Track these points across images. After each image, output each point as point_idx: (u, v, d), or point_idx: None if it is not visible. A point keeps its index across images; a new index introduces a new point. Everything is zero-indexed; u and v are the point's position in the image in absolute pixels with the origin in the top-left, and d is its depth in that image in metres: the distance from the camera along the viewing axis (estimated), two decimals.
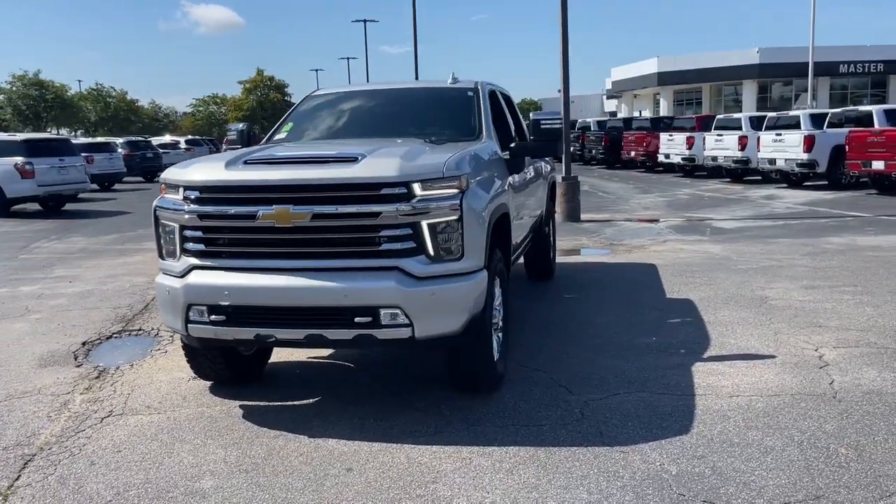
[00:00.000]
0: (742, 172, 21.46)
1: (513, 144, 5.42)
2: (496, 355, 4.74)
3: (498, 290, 4.85)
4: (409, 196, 4.01)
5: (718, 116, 24.35)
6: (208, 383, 5.10)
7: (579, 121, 34.91)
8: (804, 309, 6.67)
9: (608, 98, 68.85)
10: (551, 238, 8.42)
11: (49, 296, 8.34)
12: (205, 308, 4.21)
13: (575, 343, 5.80)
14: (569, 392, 4.72)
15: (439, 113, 5.72)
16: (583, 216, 14.10)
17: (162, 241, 4.41)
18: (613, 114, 61.25)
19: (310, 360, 5.65)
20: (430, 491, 3.46)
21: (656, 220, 13.72)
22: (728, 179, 22.13)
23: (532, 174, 6.70)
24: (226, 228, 4.21)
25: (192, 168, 4.40)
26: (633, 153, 27.42)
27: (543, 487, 3.45)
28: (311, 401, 4.78)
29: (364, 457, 3.85)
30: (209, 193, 4.21)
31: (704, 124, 24.10)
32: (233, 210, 4.15)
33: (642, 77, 54.44)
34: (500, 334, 4.92)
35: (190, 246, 4.28)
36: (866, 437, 3.91)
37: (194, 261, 4.28)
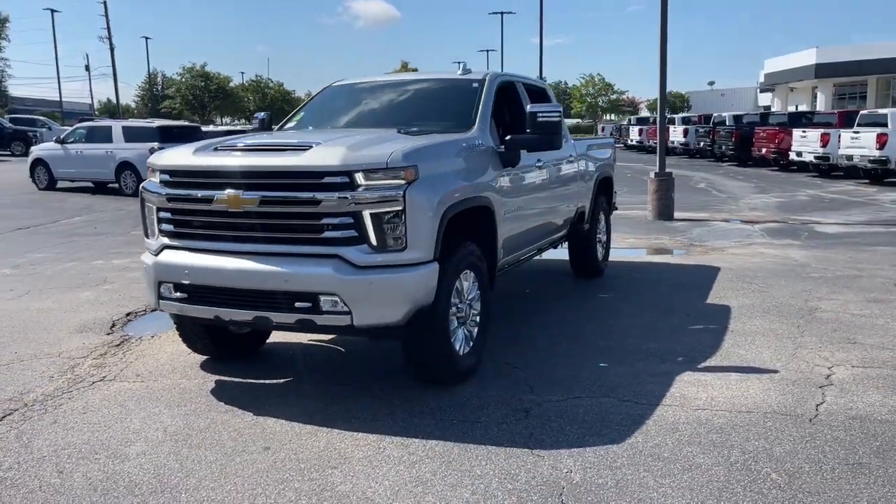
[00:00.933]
0: (882, 174, 19.68)
1: (508, 137, 5.32)
2: (462, 349, 4.71)
3: (470, 284, 4.81)
4: (352, 185, 4.07)
5: (862, 112, 22.36)
6: (203, 357, 5.37)
7: (714, 115, 33.23)
8: (850, 323, 6.11)
9: (761, 91, 64.91)
10: (601, 235, 8.16)
11: (132, 269, 8.99)
12: (171, 285, 4.48)
13: (579, 343, 5.64)
14: (530, 392, 4.61)
15: (441, 104, 5.70)
16: (677, 214, 13.50)
17: (146, 221, 4.72)
18: (767, 108, 57.69)
19: (310, 342, 5.82)
20: (325, 476, 3.52)
21: (755, 222, 12.89)
22: (866, 181, 20.36)
23: (555, 169, 6.54)
24: (188, 211, 4.45)
25: (167, 153, 4.68)
26: (763, 150, 25.79)
27: (432, 483, 3.43)
28: (283, 381, 4.95)
29: (289, 437, 3.97)
30: (176, 177, 4.47)
31: (847, 120, 22.27)
32: (193, 193, 4.37)
33: (798, 69, 50.81)
34: (472, 329, 4.87)
35: (163, 226, 4.56)
36: (812, 465, 3.58)
37: (166, 240, 4.55)
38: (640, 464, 3.60)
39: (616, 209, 9.37)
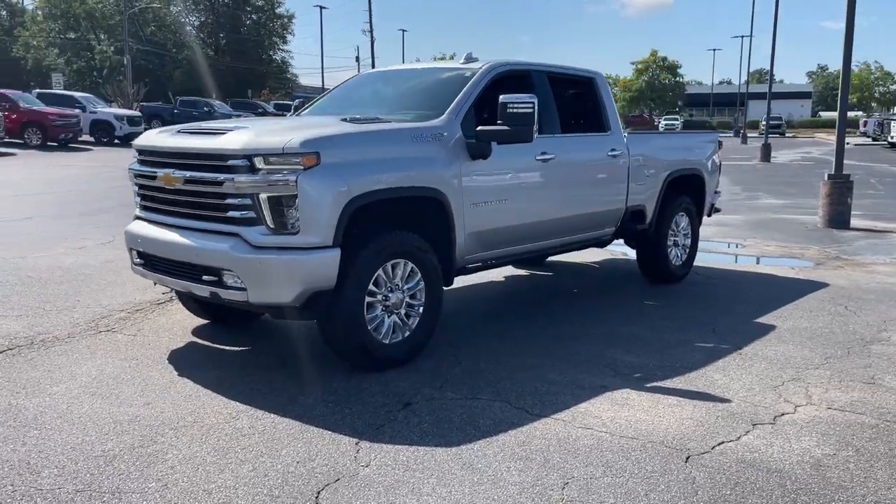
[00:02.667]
0: None
1: (478, 128, 5.19)
2: (387, 338, 4.76)
3: (405, 274, 4.82)
4: (253, 169, 4.31)
5: None
6: (207, 321, 5.90)
7: None
8: None
9: None
10: (677, 238, 7.57)
11: None
12: (135, 252, 5.04)
13: (560, 346, 5.40)
14: (437, 388, 4.54)
15: (430, 93, 5.66)
16: (857, 223, 11.97)
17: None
18: None
19: None
20: (165, 440, 3.81)
21: None
22: None
23: (580, 163, 6.23)
24: (144, 186, 4.97)
25: (142, 134, 5.23)
26: None
27: (234, 453, 3.58)
28: (247, 349, 5.32)
29: (173, 397, 4.32)
30: (141, 156, 5.01)
31: None
32: (146, 171, 4.88)
33: None
34: (410, 320, 4.89)
35: (136, 199, 5.14)
36: (625, 500, 3.20)
37: (137, 211, 5.13)
38: (440, 469, 3.46)
39: (718, 211, 8.57)
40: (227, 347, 5.35)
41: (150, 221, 4.95)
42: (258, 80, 64.20)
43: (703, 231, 11.08)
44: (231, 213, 4.40)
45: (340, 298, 4.48)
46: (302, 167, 4.26)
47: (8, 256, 8.19)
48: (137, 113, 22.36)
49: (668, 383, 4.68)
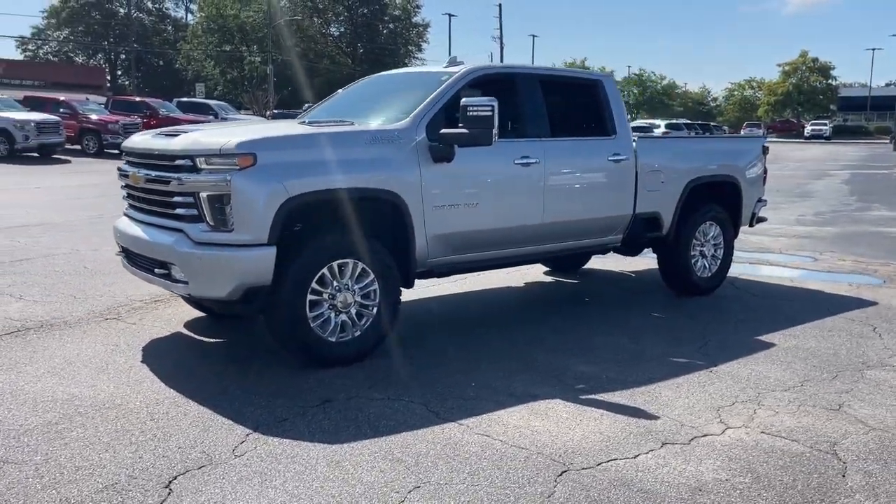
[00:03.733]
0: None
1: (441, 131, 5.20)
2: (334, 336, 4.87)
3: (356, 274, 4.91)
4: (195, 169, 4.57)
5: None
6: (203, 314, 6.26)
7: None
8: (886, 390, 4.71)
9: None
10: (703, 248, 7.20)
11: None
12: (118, 246, 5.45)
13: (522, 354, 5.31)
14: (366, 388, 4.58)
15: (407, 96, 5.68)
16: None
17: None
18: None
19: None
20: (81, 419, 4.11)
21: None
22: None
23: (574, 168, 6.08)
24: (124, 185, 5.35)
25: (130, 137, 5.63)
26: None
27: (132, 435, 3.82)
28: (226, 341, 5.59)
29: (127, 380, 4.63)
30: (125, 157, 5.40)
31: None
32: (125, 170, 5.26)
33: None
34: (362, 319, 4.98)
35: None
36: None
37: (123, 208, 5.54)
38: (305, 465, 3.54)
39: (762, 220, 8.05)
40: (206, 339, 5.65)
41: (129, 217, 5.33)
42: None
43: (776, 242, 10.49)
44: (178, 211, 4.67)
45: (280, 295, 4.64)
46: (237, 167, 4.46)
47: (82, 249, 8.98)
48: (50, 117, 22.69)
49: (606, 396, 4.51)
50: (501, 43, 63.27)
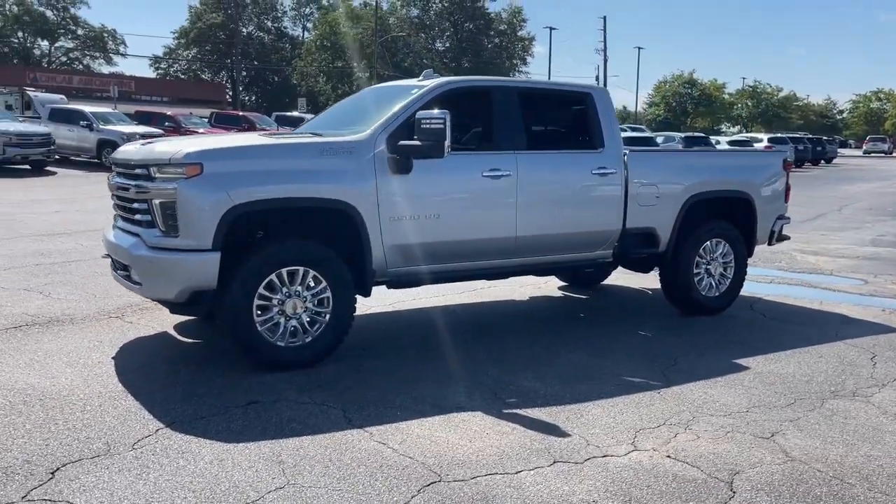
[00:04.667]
0: None
1: (399, 143, 5.29)
2: (283, 340, 5.04)
3: (306, 281, 5.06)
4: (149, 177, 4.87)
5: None
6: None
7: None
8: (845, 423, 4.44)
9: None
10: (709, 267, 6.93)
11: None
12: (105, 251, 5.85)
13: (472, 368, 5.29)
14: (297, 392, 4.70)
15: (380, 109, 5.77)
16: None
17: None
18: None
19: None
20: (21, 408, 4.46)
21: None
22: None
23: (550, 181, 6.02)
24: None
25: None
26: None
27: (39, 427, 4.11)
28: (203, 343, 5.89)
29: (87, 373, 4.97)
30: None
31: None
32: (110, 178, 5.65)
33: None
34: (314, 325, 5.13)
35: None
36: None
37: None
38: (178, 462, 3.69)
39: (785, 239, 7.65)
40: (186, 339, 5.93)
41: (113, 224, 5.71)
42: None
43: (832, 264, 9.94)
44: (136, 217, 4.98)
45: (227, 299, 4.85)
46: (184, 176, 4.71)
47: None
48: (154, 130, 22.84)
49: (532, 411, 4.45)
50: (605, 55, 62.50)
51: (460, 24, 68.91)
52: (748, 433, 4.18)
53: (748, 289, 8.12)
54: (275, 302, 5.00)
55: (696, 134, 31.53)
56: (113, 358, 5.32)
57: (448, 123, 5.11)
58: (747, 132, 58.30)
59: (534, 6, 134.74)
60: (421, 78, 6.08)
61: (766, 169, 7.27)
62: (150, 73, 78.63)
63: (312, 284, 5.11)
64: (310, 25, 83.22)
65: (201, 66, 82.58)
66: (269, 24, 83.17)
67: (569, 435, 4.11)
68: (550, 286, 8.23)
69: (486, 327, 6.56)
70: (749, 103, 72.33)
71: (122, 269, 5.13)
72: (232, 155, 4.97)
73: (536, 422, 4.29)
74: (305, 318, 5.12)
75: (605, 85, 60.49)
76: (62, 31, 77.67)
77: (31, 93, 39.37)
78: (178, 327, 6.19)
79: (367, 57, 67.68)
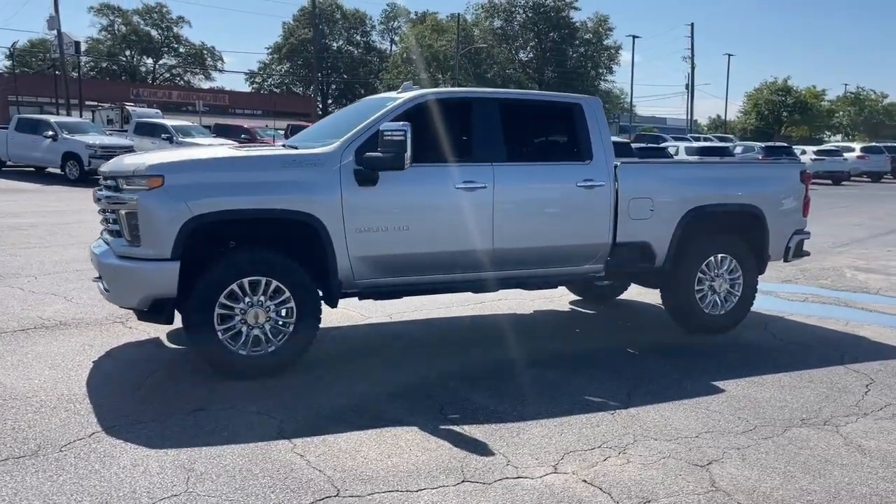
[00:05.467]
0: None
1: (365, 155, 5.31)
2: (245, 349, 5.13)
3: (268, 291, 5.14)
4: (117, 189, 5.07)
5: None
6: None
7: None
8: (808, 456, 4.16)
9: None
10: (714, 283, 6.64)
11: None
12: None
13: (435, 384, 5.23)
14: (247, 402, 4.79)
15: (356, 121, 5.80)
16: None
17: None
18: None
19: None
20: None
21: None
22: None
23: (529, 193, 5.90)
24: None
25: None
26: None
27: None
28: (183, 349, 6.07)
29: (30, 383, 5.20)
30: None
31: None
32: None
33: None
34: (278, 335, 5.19)
35: None
36: None
37: None
38: (93, 464, 3.81)
39: (804, 255, 7.24)
40: (174, 346, 6.11)
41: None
42: None
43: (884, 282, 9.36)
44: (109, 226, 5.18)
45: (188, 308, 4.99)
46: (146, 188, 4.88)
47: None
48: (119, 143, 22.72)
49: (469, 428, 4.38)
50: (692, 63, 60.83)
51: (544, 34, 68.55)
52: (684, 460, 3.96)
53: (773, 307, 7.78)
54: (237, 311, 5.09)
55: (778, 144, 30.07)
56: (94, 362, 5.54)
57: (409, 135, 5.10)
58: (849, 141, 55.41)
59: (618, 15, 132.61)
60: (400, 90, 6.09)
61: (779, 181, 6.91)
62: (245, 88, 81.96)
63: (275, 295, 5.17)
64: (397, 39, 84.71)
65: (293, 79, 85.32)
66: (359, 37, 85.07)
67: (493, 454, 4.01)
68: (563, 300, 8.07)
69: (473, 341, 6.48)
70: (851, 111, 68.78)
71: (98, 277, 5.34)
72: (193, 167, 5.10)
73: (467, 439, 4.21)
74: (268, 328, 5.19)
75: (692, 92, 58.92)
76: (166, 49, 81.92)
77: (130, 107, 41.72)
78: (171, 334, 6.38)
79: (451, 69, 68.27)
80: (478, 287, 6.05)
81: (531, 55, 70.63)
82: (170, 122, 26.83)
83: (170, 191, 4.88)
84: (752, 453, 4.07)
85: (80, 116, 41.42)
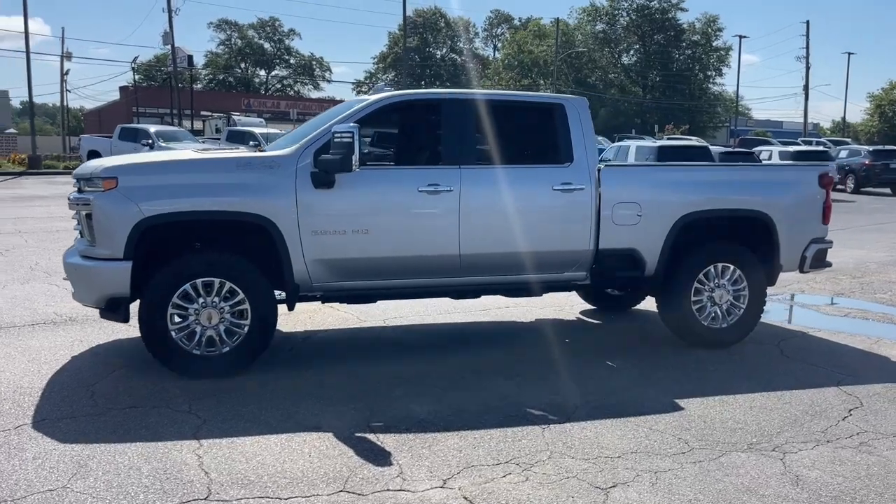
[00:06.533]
0: None
1: (320, 157, 5.28)
2: (199, 349, 5.21)
3: (221, 293, 5.20)
4: (81, 191, 5.27)
5: None
6: None
7: None
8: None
9: None
10: (714, 294, 6.22)
11: None
12: None
13: (382, 390, 5.12)
14: (165, 399, 4.82)
15: (326, 122, 5.77)
16: None
17: None
18: None
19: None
20: None
21: None
22: None
23: (500, 196, 5.68)
24: None
25: None
26: None
27: None
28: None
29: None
30: None
31: None
32: None
33: None
34: (233, 336, 5.25)
35: None
36: None
37: None
38: None
39: (826, 266, 6.66)
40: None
41: None
42: (687, 115, 63.46)
43: None
44: (76, 227, 5.38)
45: (142, 307, 5.11)
46: (102, 189, 5.04)
47: None
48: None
49: (383, 437, 4.25)
50: (807, 63, 57.46)
51: (648, 37, 66.79)
52: (587, 482, 3.69)
53: (803, 321, 7.28)
54: (191, 311, 5.17)
55: (888, 147, 27.78)
56: (74, 357, 5.75)
57: (357, 137, 5.04)
58: None
59: (726, 15, 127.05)
60: (371, 91, 6.02)
61: (792, 186, 6.38)
62: (352, 97, 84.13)
63: (230, 296, 5.22)
64: (500, 45, 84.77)
65: (398, 88, 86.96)
66: (461, 44, 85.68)
67: (390, 465, 3.87)
68: (574, 309, 7.77)
69: (450, 349, 6.29)
70: None
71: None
72: (147, 170, 5.22)
73: (373, 448, 4.09)
74: (223, 329, 5.24)
75: (807, 94, 55.81)
76: (277, 60, 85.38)
77: (236, 117, 43.69)
78: None
79: (550, 75, 67.66)
80: (449, 293, 5.91)
81: (634, 59, 68.94)
82: (260, 130, 27.82)
83: (123, 192, 5.01)
84: (667, 478, 3.74)
85: (192, 126, 43.82)
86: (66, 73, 54.63)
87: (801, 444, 4.20)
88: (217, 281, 5.18)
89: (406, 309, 7.44)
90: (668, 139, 37.61)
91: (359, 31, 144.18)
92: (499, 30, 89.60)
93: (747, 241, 6.32)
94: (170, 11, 40.96)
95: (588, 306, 7.84)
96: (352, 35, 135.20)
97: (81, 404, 4.69)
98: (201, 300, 5.17)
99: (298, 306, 5.71)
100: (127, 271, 5.03)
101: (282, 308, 6.85)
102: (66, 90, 56.69)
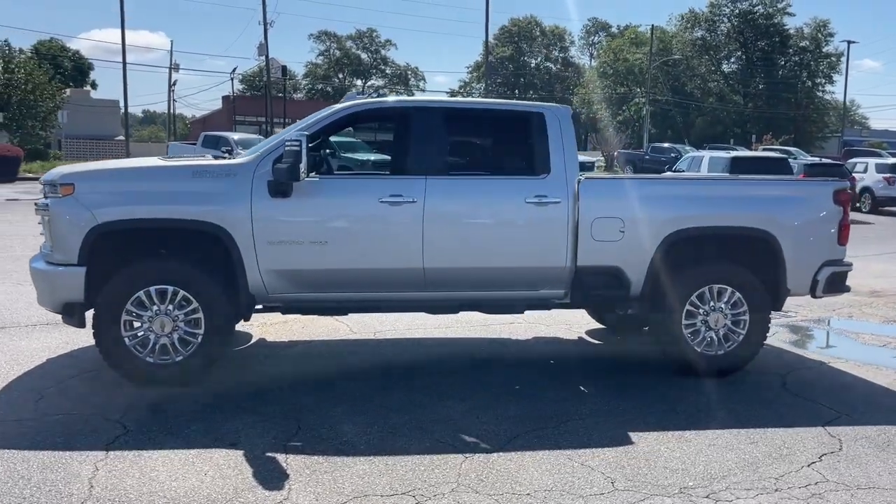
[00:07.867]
0: None
1: (277, 166, 5.17)
2: (153, 357, 5.19)
3: (174, 300, 5.16)
4: (45, 196, 5.36)
5: None
6: None
7: None
8: None
9: None
10: (708, 317, 5.72)
11: None
12: None
13: (342, 414, 4.94)
14: (117, 412, 4.84)
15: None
16: None
17: None
18: None
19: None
20: None
21: None
22: None
23: (473, 209, 5.45)
24: None
25: None
26: None
27: None
28: None
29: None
30: None
31: None
32: None
33: None
34: (188, 345, 5.20)
35: None
36: None
37: None
38: None
39: (844, 291, 6.04)
40: None
41: None
42: (791, 125, 60.40)
43: None
44: (41, 232, 5.48)
45: (94, 312, 5.15)
46: (60, 196, 5.11)
47: None
48: None
49: (290, 458, 4.08)
50: None
51: (751, 44, 64.08)
52: None
53: (832, 350, 6.68)
54: (145, 318, 5.15)
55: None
56: (49, 359, 5.87)
57: (304, 147, 4.92)
58: None
59: (838, 19, 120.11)
60: (343, 99, 5.88)
61: (801, 202, 5.80)
62: None
63: (183, 304, 5.18)
64: (596, 53, 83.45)
65: (492, 97, 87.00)
66: (556, 53, 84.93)
67: (280, 489, 3.70)
68: (583, 327, 7.37)
69: (424, 365, 6.04)
70: None
71: None
72: (104, 177, 5.25)
73: (275, 470, 3.92)
74: (176, 338, 5.19)
75: None
76: (374, 70, 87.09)
77: None
78: None
79: (645, 83, 65.94)
80: (420, 308, 5.69)
81: (735, 66, 66.28)
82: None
83: (78, 199, 5.05)
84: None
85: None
86: (174, 83, 57.47)
87: (742, 492, 3.74)
88: (171, 289, 5.14)
89: (401, 322, 7.25)
90: (764, 149, 35.84)
91: (455, 40, 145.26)
92: (596, 38, 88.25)
93: (750, 262, 5.79)
94: (265, 24, 42.42)
95: (597, 325, 7.42)
96: (448, 45, 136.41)
97: (25, 408, 4.74)
98: (155, 308, 5.14)
99: (292, 317, 5.62)
100: (81, 276, 5.05)
101: (274, 317, 6.91)
102: (174, 100, 59.64)
